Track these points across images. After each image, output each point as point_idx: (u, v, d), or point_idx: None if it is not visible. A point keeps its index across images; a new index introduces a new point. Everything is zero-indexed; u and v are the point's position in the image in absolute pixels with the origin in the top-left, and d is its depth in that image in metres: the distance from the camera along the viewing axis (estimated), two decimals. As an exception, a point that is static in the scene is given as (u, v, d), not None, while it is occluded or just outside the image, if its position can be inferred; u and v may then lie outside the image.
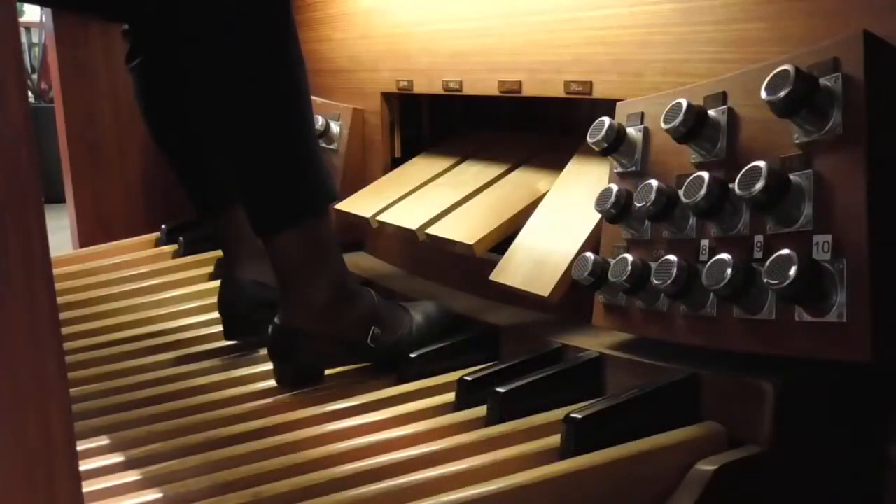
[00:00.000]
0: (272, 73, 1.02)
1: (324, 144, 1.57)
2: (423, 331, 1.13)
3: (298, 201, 1.04)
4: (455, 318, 1.18)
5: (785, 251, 0.75)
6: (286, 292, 1.06)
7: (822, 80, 0.77)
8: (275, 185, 1.04)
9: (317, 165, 1.06)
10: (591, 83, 1.10)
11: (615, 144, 0.97)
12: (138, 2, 1.23)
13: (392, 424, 0.94)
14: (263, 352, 1.21)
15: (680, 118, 0.86)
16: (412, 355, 1.09)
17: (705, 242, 0.88)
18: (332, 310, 1.06)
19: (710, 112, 0.87)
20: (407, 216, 1.29)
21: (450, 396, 1.00)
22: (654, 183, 0.89)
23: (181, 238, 1.64)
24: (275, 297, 1.14)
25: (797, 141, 0.79)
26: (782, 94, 0.76)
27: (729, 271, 0.79)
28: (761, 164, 0.78)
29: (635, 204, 0.91)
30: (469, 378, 0.99)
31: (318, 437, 0.92)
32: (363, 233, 1.54)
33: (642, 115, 0.97)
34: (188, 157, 1.33)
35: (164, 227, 1.72)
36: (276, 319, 1.07)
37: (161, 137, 1.35)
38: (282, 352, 1.07)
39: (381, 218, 1.33)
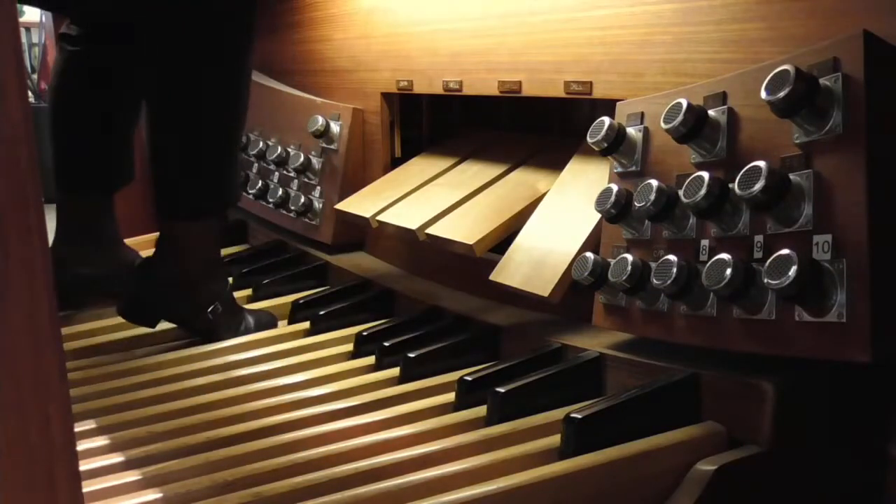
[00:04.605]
0: (232, 87, 1.21)
1: (324, 144, 1.57)
2: (251, 330, 1.30)
3: (206, 202, 1.25)
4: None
5: (785, 251, 0.75)
6: (167, 252, 1.24)
7: (822, 80, 0.77)
8: (194, 186, 1.23)
9: (234, 175, 1.27)
10: (591, 83, 1.10)
11: (615, 144, 0.97)
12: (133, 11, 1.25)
13: (392, 424, 0.94)
14: (263, 351, 1.21)
15: (680, 118, 0.86)
16: (410, 355, 1.09)
17: (705, 242, 0.88)
18: (194, 277, 1.25)
19: (710, 112, 0.87)
20: (407, 216, 1.29)
21: (450, 396, 1.00)
22: (654, 183, 0.89)
23: (181, 238, 1.65)
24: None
25: (797, 141, 0.79)
26: (782, 94, 0.76)
27: (729, 271, 0.79)
28: (761, 164, 0.78)
29: (635, 204, 0.91)
30: (469, 378, 0.99)
31: (318, 437, 0.92)
32: (363, 233, 1.54)
33: (642, 115, 0.97)
34: (84, 136, 1.42)
35: (163, 226, 1.72)
36: (144, 259, 1.28)
37: (64, 112, 1.42)
38: (136, 284, 1.25)
39: (381, 218, 1.33)
